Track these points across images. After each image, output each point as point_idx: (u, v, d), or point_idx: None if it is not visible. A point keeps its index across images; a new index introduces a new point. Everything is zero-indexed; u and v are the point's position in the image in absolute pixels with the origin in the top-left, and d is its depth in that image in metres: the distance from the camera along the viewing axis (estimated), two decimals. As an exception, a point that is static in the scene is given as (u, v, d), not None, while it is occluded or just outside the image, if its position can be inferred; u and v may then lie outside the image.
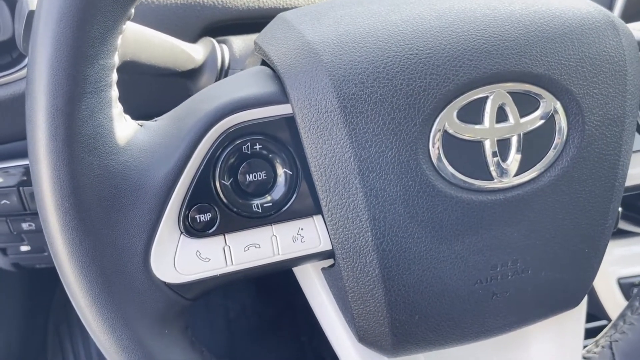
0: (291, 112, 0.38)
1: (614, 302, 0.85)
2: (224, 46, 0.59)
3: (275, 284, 1.08)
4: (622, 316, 0.54)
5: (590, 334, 0.57)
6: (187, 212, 0.37)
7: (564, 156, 0.40)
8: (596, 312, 0.86)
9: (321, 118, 0.37)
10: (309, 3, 0.65)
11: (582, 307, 0.49)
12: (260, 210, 0.38)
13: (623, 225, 0.79)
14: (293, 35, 0.40)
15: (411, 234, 0.38)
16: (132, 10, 0.35)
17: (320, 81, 0.37)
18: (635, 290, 0.83)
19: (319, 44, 0.38)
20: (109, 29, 0.34)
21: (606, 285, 0.85)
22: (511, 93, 0.39)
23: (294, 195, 0.39)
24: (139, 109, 0.44)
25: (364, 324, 0.41)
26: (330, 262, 0.42)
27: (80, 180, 0.34)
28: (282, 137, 0.38)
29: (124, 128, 0.36)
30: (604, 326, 0.57)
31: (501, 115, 0.39)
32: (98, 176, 0.34)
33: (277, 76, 0.40)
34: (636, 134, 0.46)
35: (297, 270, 0.46)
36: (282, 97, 0.38)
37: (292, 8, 0.58)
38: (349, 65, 0.37)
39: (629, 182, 0.46)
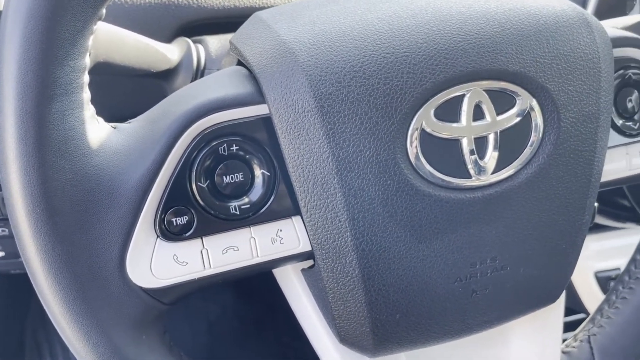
0: (268, 112, 0.38)
1: (591, 296, 0.86)
2: (200, 46, 0.59)
3: (256, 285, 1.08)
4: (599, 310, 0.54)
5: (568, 327, 0.58)
6: (163, 216, 0.36)
7: (540, 153, 0.41)
8: (574, 305, 0.87)
9: (298, 118, 0.37)
10: (285, 2, 0.65)
11: (561, 302, 0.50)
12: (238, 212, 0.38)
13: (599, 219, 0.80)
14: (269, 35, 0.39)
15: (390, 234, 0.38)
16: (103, 10, 0.35)
17: (296, 81, 0.36)
18: (612, 284, 0.85)
19: (295, 44, 0.38)
20: (79, 29, 0.33)
21: (584, 279, 0.86)
22: (487, 91, 0.39)
23: (272, 197, 0.39)
24: (113, 111, 0.44)
25: (345, 324, 0.41)
26: (309, 263, 0.41)
27: (52, 185, 0.33)
28: (259, 138, 0.38)
29: (97, 130, 0.35)
30: (582, 319, 0.58)
31: (478, 114, 0.39)
32: (70, 180, 0.33)
33: (253, 76, 0.39)
34: (611, 130, 0.47)
35: (276, 271, 0.46)
36: (259, 97, 0.38)
37: (268, 7, 0.58)
38: (325, 64, 0.37)
39: (605, 178, 0.47)
